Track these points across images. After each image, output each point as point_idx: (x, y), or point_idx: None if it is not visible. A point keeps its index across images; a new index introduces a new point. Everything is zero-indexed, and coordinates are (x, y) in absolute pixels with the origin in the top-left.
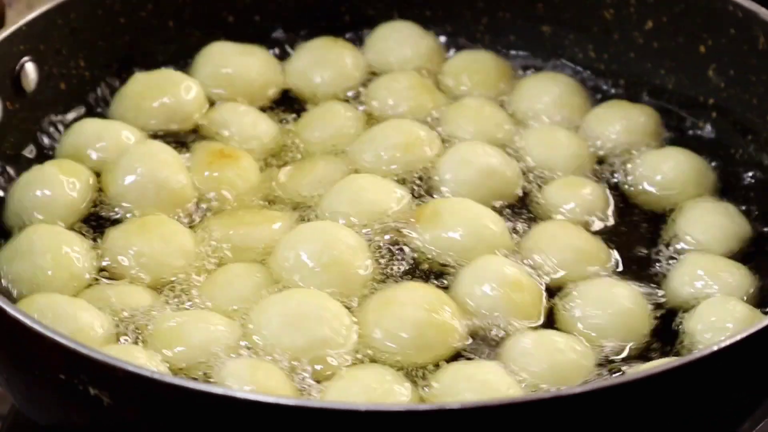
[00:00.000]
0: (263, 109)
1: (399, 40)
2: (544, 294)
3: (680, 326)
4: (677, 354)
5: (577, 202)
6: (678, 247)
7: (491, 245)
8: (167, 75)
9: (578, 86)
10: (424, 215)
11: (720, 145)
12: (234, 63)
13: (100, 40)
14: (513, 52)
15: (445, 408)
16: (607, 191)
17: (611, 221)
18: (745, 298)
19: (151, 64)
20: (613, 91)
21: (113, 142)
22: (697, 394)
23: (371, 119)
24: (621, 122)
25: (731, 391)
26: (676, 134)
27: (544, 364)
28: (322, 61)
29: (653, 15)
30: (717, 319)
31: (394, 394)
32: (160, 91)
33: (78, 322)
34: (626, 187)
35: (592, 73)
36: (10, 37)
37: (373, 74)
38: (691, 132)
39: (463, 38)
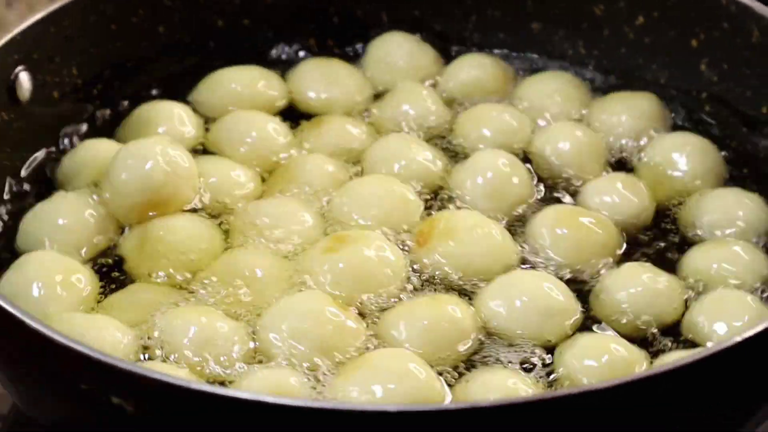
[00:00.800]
0: None
1: (397, 54)
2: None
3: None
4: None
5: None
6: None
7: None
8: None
9: (579, 82)
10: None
11: (714, 138)
12: (240, 83)
13: (92, 47)
14: (503, 51)
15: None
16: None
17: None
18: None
19: (141, 69)
20: (605, 87)
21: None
22: (704, 390)
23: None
24: (625, 111)
25: (735, 389)
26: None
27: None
28: (326, 82)
29: (644, 10)
30: (725, 312)
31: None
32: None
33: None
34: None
35: (584, 69)
36: (4, 47)
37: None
38: (684, 125)
39: (452, 37)
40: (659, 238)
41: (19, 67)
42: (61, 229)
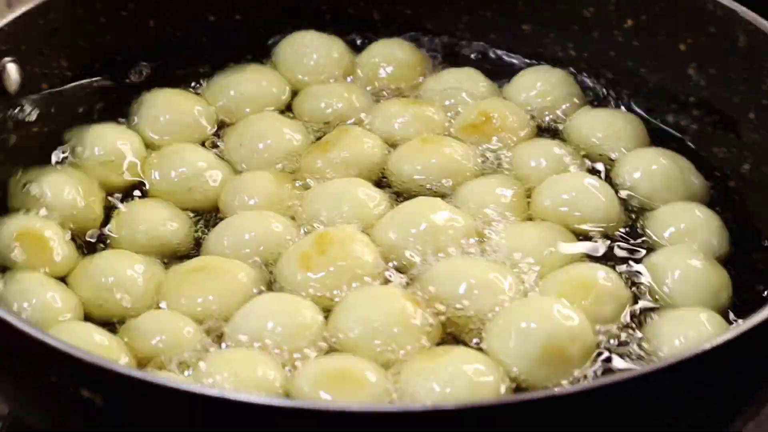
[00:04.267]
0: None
1: (305, 52)
2: None
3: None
4: None
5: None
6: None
7: None
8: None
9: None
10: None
11: (702, 143)
12: (170, 109)
13: (81, 39)
14: (494, 51)
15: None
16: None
17: None
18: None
19: (131, 63)
20: (593, 89)
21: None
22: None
23: None
24: (538, 86)
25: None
26: (657, 133)
27: None
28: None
29: (633, 13)
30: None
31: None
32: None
33: None
34: None
35: (573, 71)
36: None
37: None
38: (672, 131)
39: (444, 36)
40: None
41: (7, 58)
42: None
